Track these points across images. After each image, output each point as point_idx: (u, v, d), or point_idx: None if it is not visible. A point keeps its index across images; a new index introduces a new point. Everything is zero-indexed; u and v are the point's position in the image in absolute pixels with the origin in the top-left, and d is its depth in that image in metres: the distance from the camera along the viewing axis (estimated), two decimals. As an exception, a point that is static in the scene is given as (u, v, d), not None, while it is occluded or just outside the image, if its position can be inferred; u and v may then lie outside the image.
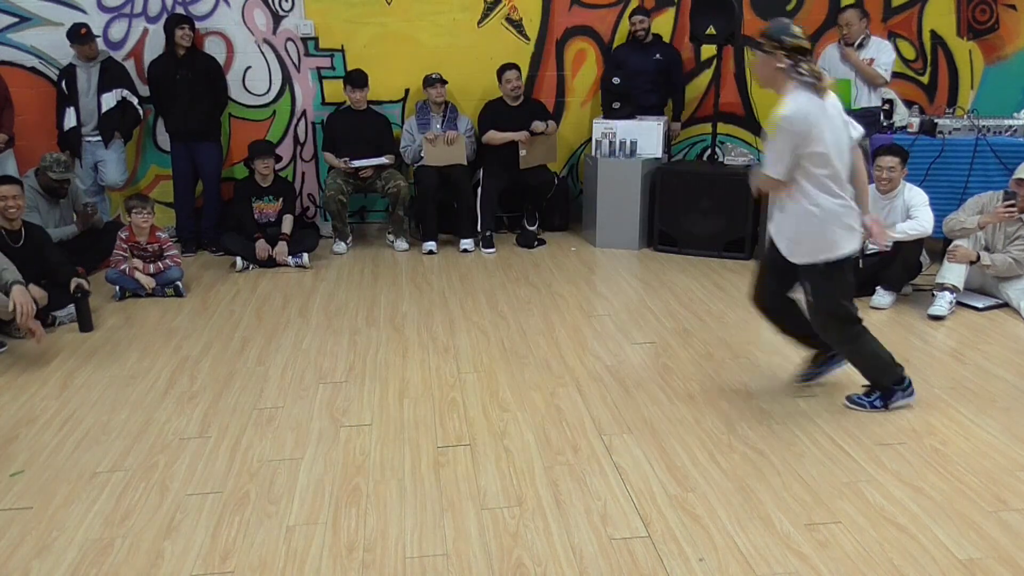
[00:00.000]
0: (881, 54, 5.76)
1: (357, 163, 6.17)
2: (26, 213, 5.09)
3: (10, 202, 4.54)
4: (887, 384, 3.51)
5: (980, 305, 4.77)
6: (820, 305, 3.38)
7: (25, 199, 4.76)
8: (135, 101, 6.10)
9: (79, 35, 5.82)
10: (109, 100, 5.98)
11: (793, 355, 4.12)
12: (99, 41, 6.10)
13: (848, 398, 3.59)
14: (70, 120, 5.95)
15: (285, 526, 2.74)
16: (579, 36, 6.76)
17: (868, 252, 5.00)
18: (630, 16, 6.50)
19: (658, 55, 6.47)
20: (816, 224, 3.25)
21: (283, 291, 5.34)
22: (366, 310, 4.94)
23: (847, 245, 3.27)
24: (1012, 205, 4.60)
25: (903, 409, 3.51)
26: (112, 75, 6.01)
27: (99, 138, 6.04)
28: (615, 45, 6.74)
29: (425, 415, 3.53)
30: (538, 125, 6.31)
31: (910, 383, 3.54)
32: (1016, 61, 6.84)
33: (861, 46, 5.78)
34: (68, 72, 5.96)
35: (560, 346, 4.29)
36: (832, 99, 3.22)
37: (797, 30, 3.12)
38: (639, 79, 6.35)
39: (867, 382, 3.57)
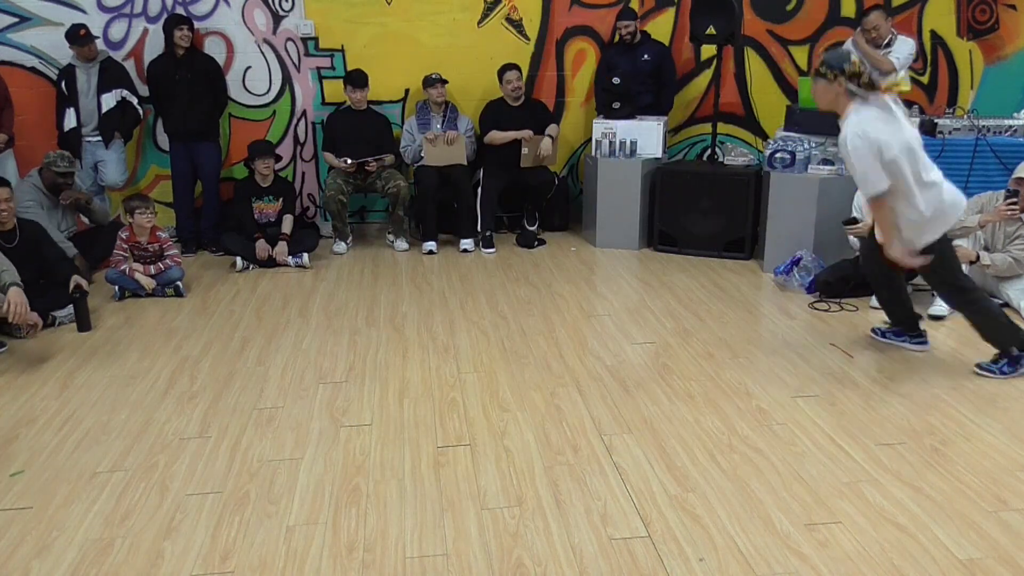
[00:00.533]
0: (902, 53, 5.74)
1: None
2: (27, 213, 5.11)
3: (2, 205, 4.53)
4: (1010, 348, 3.76)
5: (980, 305, 4.76)
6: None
7: (16, 202, 4.75)
8: (135, 101, 6.09)
9: (78, 36, 5.81)
10: (109, 100, 5.98)
11: (793, 355, 4.12)
12: (98, 41, 6.10)
13: (978, 365, 3.84)
14: (70, 121, 5.95)
15: (285, 526, 2.74)
16: (579, 36, 6.76)
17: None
18: (616, 20, 6.45)
19: (646, 55, 6.44)
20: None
21: (283, 291, 5.34)
22: (366, 310, 4.94)
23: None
24: (1014, 203, 4.60)
25: (905, 410, 3.52)
26: (112, 75, 6.00)
27: (99, 138, 6.04)
28: (614, 43, 6.74)
29: (425, 415, 3.53)
30: (552, 128, 6.37)
31: None
32: (1016, 61, 6.84)
33: (888, 45, 5.78)
34: (67, 72, 5.96)
35: (560, 346, 4.29)
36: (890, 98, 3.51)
37: (855, 57, 3.51)
38: (632, 80, 6.34)
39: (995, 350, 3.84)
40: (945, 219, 3.69)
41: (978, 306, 3.82)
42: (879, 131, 3.45)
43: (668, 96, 6.63)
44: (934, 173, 3.67)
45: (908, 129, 3.60)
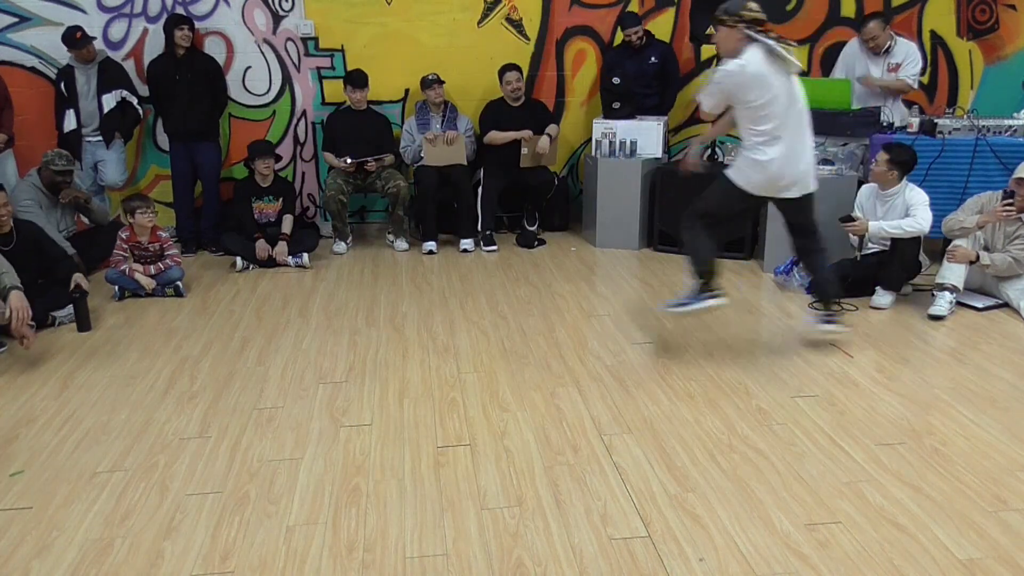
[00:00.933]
0: (908, 61, 5.79)
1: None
2: (27, 212, 5.11)
3: (0, 210, 4.54)
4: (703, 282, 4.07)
5: (980, 305, 4.77)
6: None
7: (13, 205, 4.75)
8: (135, 101, 6.10)
9: (75, 39, 5.78)
10: (109, 101, 5.98)
11: (793, 355, 4.12)
12: (96, 42, 6.09)
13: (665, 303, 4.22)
14: (70, 122, 5.94)
15: (285, 526, 2.74)
16: (579, 36, 6.76)
17: (867, 251, 5.01)
18: (623, 27, 6.42)
19: (653, 58, 6.43)
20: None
21: (283, 291, 5.34)
22: (366, 310, 4.94)
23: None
24: (1010, 204, 4.61)
25: (905, 410, 3.52)
26: (110, 76, 6.00)
27: (100, 138, 6.04)
28: (613, 47, 6.73)
29: (425, 415, 3.53)
30: (552, 128, 6.36)
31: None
32: (1016, 61, 6.85)
33: (888, 51, 5.80)
34: (66, 74, 5.95)
35: (560, 346, 4.29)
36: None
37: (753, 5, 3.64)
38: (637, 83, 6.34)
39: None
40: (757, 171, 3.86)
41: (695, 235, 4.04)
42: (761, 68, 3.66)
43: (671, 95, 6.64)
44: (784, 132, 3.79)
45: (788, 78, 3.75)
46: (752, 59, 3.67)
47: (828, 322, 4.23)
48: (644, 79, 6.41)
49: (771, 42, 3.68)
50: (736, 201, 4.00)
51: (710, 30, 5.85)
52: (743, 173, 3.93)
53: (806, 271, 4.33)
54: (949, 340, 4.34)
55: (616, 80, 6.27)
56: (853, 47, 6.02)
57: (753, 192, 3.92)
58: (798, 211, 4.06)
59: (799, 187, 3.93)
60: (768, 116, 3.76)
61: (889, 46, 5.82)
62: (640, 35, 6.38)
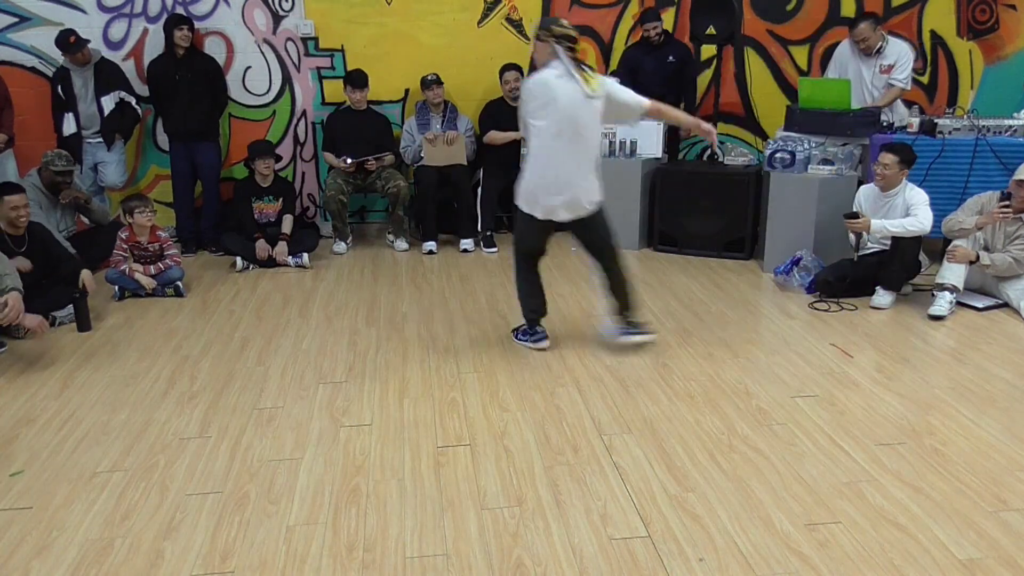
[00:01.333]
0: (900, 62, 5.79)
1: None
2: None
3: (21, 211, 4.60)
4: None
5: (980, 305, 4.77)
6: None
7: (30, 205, 4.77)
8: (133, 101, 6.09)
9: (68, 44, 5.75)
10: (108, 103, 5.98)
11: (793, 355, 4.12)
12: (96, 42, 6.09)
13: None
14: (69, 126, 5.93)
15: (285, 526, 2.74)
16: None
17: (867, 251, 5.01)
18: (642, 23, 6.38)
19: (671, 57, 6.39)
20: None
21: (283, 291, 5.34)
22: (366, 310, 4.94)
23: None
24: (1007, 206, 4.62)
25: (905, 410, 3.52)
26: (107, 77, 5.99)
27: (100, 140, 6.04)
28: (617, 46, 6.73)
29: (425, 415, 3.53)
30: None
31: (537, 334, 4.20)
32: (1016, 61, 6.84)
33: (879, 52, 5.80)
34: (62, 76, 5.92)
35: (560, 346, 4.29)
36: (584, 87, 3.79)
37: (565, 22, 3.82)
38: (654, 80, 6.33)
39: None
40: (534, 195, 3.94)
41: (517, 274, 4.19)
42: (557, 85, 3.76)
43: (691, 97, 6.57)
44: (554, 154, 3.84)
45: (584, 103, 3.81)
46: (543, 75, 3.80)
47: (630, 333, 4.20)
48: (662, 77, 6.38)
49: (568, 63, 3.77)
50: (528, 228, 4.05)
51: (710, 30, 5.91)
52: (519, 195, 4.01)
53: (605, 292, 4.22)
54: (949, 340, 4.35)
55: (616, 80, 6.26)
56: (845, 48, 6.02)
57: (532, 214, 3.97)
58: (584, 231, 4.06)
59: (569, 211, 3.95)
60: (540, 133, 3.83)
61: (881, 47, 5.82)
62: (659, 31, 6.34)
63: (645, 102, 3.97)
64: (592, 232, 4.07)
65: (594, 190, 3.97)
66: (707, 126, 4.19)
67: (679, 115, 4.28)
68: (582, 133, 3.84)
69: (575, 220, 3.99)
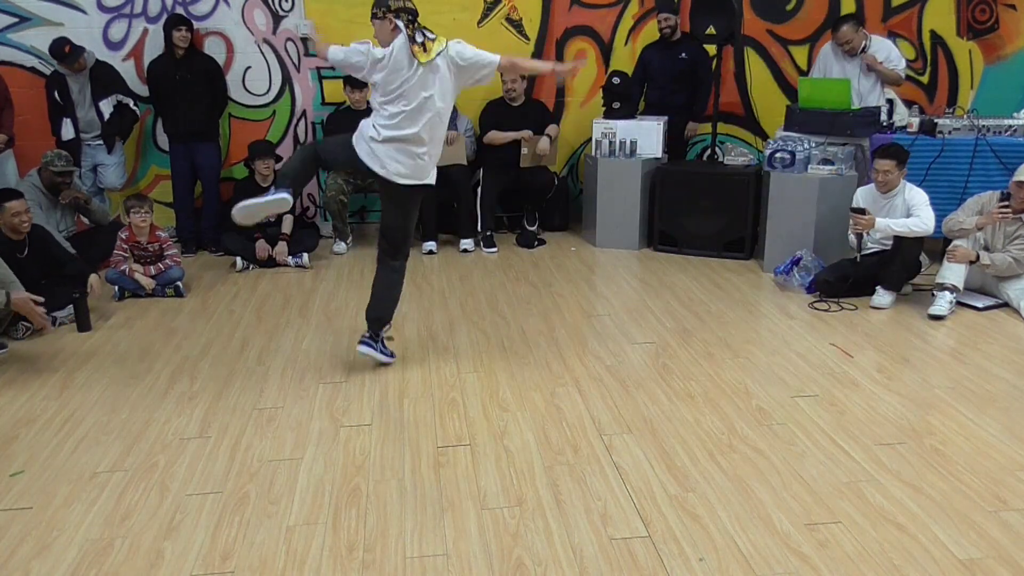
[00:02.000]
0: (889, 57, 5.80)
1: None
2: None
3: (23, 216, 4.59)
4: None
5: (980, 305, 4.77)
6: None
7: (30, 208, 4.77)
8: (131, 103, 6.09)
9: (64, 54, 5.73)
10: (107, 107, 5.97)
11: (793, 355, 4.12)
12: (95, 42, 6.08)
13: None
14: (68, 131, 5.92)
15: (285, 526, 2.74)
16: (579, 36, 6.76)
17: (867, 252, 5.01)
18: (657, 15, 6.37)
19: (683, 54, 6.34)
20: None
21: (283, 291, 5.34)
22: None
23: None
24: (1007, 206, 4.63)
25: (905, 410, 3.52)
26: (104, 81, 5.97)
27: (100, 143, 6.04)
28: (616, 46, 6.73)
29: (425, 415, 3.53)
30: (552, 129, 6.37)
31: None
32: (1016, 61, 6.85)
33: (865, 51, 5.81)
34: (58, 81, 5.90)
35: (560, 346, 4.29)
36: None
37: None
38: (664, 77, 6.30)
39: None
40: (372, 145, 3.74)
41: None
42: (397, 48, 3.66)
43: (702, 100, 6.46)
44: (406, 121, 3.71)
45: (428, 73, 3.71)
46: (393, 47, 3.69)
47: (367, 344, 3.97)
48: (672, 76, 6.35)
49: (408, 33, 3.68)
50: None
51: (710, 30, 5.91)
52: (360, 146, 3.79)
53: (376, 287, 4.02)
54: (949, 340, 4.35)
55: (616, 80, 6.27)
56: (827, 51, 6.03)
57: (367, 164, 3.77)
58: (393, 207, 3.94)
59: (409, 176, 3.80)
60: (394, 100, 3.70)
61: (864, 46, 5.83)
62: (672, 24, 6.29)
63: (496, 57, 3.77)
64: (398, 212, 3.93)
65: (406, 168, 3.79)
66: (565, 65, 4.08)
67: (534, 64, 4.15)
68: (433, 108, 3.74)
69: (394, 185, 3.80)
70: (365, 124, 3.80)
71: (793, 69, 6.91)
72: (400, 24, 3.69)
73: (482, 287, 5.36)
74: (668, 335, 4.44)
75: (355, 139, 3.82)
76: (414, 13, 3.77)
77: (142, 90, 6.23)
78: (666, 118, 6.39)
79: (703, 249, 6.02)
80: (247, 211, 3.80)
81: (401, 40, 3.68)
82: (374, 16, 3.73)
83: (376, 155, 3.74)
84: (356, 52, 3.75)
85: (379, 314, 3.98)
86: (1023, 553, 2.54)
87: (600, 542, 2.62)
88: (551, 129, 6.37)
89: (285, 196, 3.76)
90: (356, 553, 2.59)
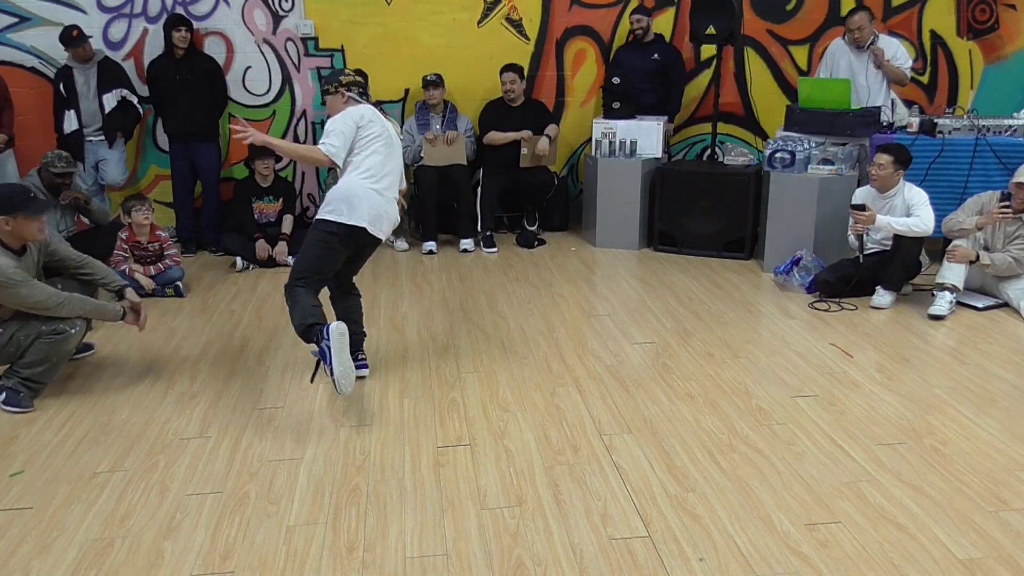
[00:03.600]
0: (898, 53, 5.81)
1: None
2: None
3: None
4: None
5: (980, 305, 4.77)
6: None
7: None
8: (135, 100, 6.10)
9: (71, 38, 5.77)
10: (110, 100, 5.98)
11: (793, 355, 4.12)
12: (96, 42, 6.08)
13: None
14: (71, 123, 5.93)
15: (285, 526, 2.74)
16: (579, 36, 6.76)
17: (868, 252, 5.01)
18: (630, 15, 6.49)
19: (656, 55, 6.45)
20: None
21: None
22: (366, 310, 4.90)
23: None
24: (1007, 206, 4.63)
25: (905, 410, 3.52)
26: (110, 75, 6.00)
27: (102, 138, 6.04)
28: (616, 45, 6.74)
29: (425, 415, 3.53)
30: (551, 129, 6.38)
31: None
32: (1016, 61, 6.85)
33: (871, 45, 5.82)
34: (65, 74, 5.94)
35: (560, 346, 4.29)
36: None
37: (348, 71, 3.95)
38: (636, 79, 6.35)
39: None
40: (347, 204, 3.73)
41: (293, 299, 3.77)
42: (365, 115, 3.77)
43: (676, 98, 6.61)
44: (375, 175, 3.79)
45: (390, 130, 3.89)
46: (362, 109, 3.80)
47: (362, 365, 3.96)
48: (644, 76, 6.40)
49: (370, 104, 3.86)
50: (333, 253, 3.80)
51: (710, 30, 5.91)
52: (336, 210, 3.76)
53: (351, 311, 4.03)
54: (949, 340, 4.34)
55: (616, 80, 6.28)
56: (836, 46, 6.04)
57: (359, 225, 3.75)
58: (358, 259, 3.98)
59: (386, 231, 3.84)
60: (368, 144, 3.78)
61: (872, 40, 5.83)
62: (644, 25, 6.38)
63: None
64: (359, 263, 4.03)
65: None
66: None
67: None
68: (398, 168, 3.94)
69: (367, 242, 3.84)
70: (346, 192, 3.74)
71: (793, 69, 6.91)
72: (353, 95, 3.84)
73: (482, 287, 5.37)
74: (668, 335, 4.44)
75: (347, 216, 3.69)
76: (363, 83, 3.94)
77: (142, 90, 6.23)
78: (664, 118, 6.41)
79: (703, 249, 6.02)
80: (346, 370, 3.45)
81: (361, 107, 3.82)
82: (325, 92, 3.85)
83: (384, 217, 3.80)
84: (349, 129, 3.74)
85: (362, 329, 4.07)
86: (1023, 553, 2.54)
87: (600, 542, 2.62)
88: (551, 129, 6.37)
89: (364, 372, 3.97)
90: (356, 553, 2.59)
